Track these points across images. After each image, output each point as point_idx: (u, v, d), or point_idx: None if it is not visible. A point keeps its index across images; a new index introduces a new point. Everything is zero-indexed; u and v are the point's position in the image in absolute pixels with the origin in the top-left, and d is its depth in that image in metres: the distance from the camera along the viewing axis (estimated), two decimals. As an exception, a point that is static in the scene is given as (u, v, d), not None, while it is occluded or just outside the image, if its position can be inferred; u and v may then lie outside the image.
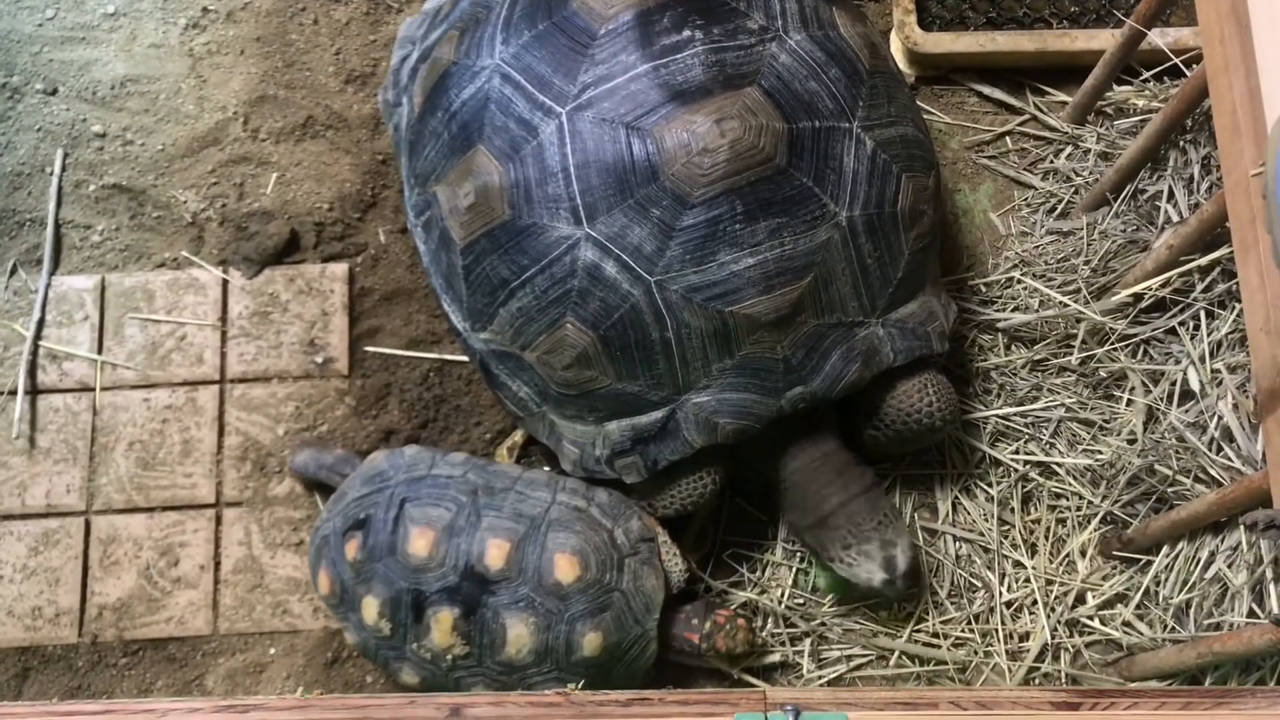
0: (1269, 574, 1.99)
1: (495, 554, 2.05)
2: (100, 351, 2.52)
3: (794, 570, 2.36)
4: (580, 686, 1.97)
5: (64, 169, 2.65)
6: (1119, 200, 2.46)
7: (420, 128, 2.22)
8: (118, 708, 1.47)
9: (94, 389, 2.49)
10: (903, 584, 2.16)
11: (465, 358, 2.47)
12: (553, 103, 2.00)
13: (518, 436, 2.41)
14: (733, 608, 2.26)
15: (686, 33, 1.99)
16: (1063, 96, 2.70)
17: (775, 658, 2.30)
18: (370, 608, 2.09)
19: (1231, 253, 1.91)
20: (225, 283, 2.57)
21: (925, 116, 2.66)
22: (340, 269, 2.58)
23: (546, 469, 2.32)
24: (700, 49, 1.98)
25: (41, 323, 2.53)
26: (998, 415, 2.42)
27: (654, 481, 2.14)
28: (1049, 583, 2.32)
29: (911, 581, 2.19)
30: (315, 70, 2.74)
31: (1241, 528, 2.05)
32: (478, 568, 2.04)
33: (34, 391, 2.49)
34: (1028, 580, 2.33)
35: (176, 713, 1.47)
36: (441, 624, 2.04)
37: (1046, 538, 2.36)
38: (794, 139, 1.97)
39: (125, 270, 2.58)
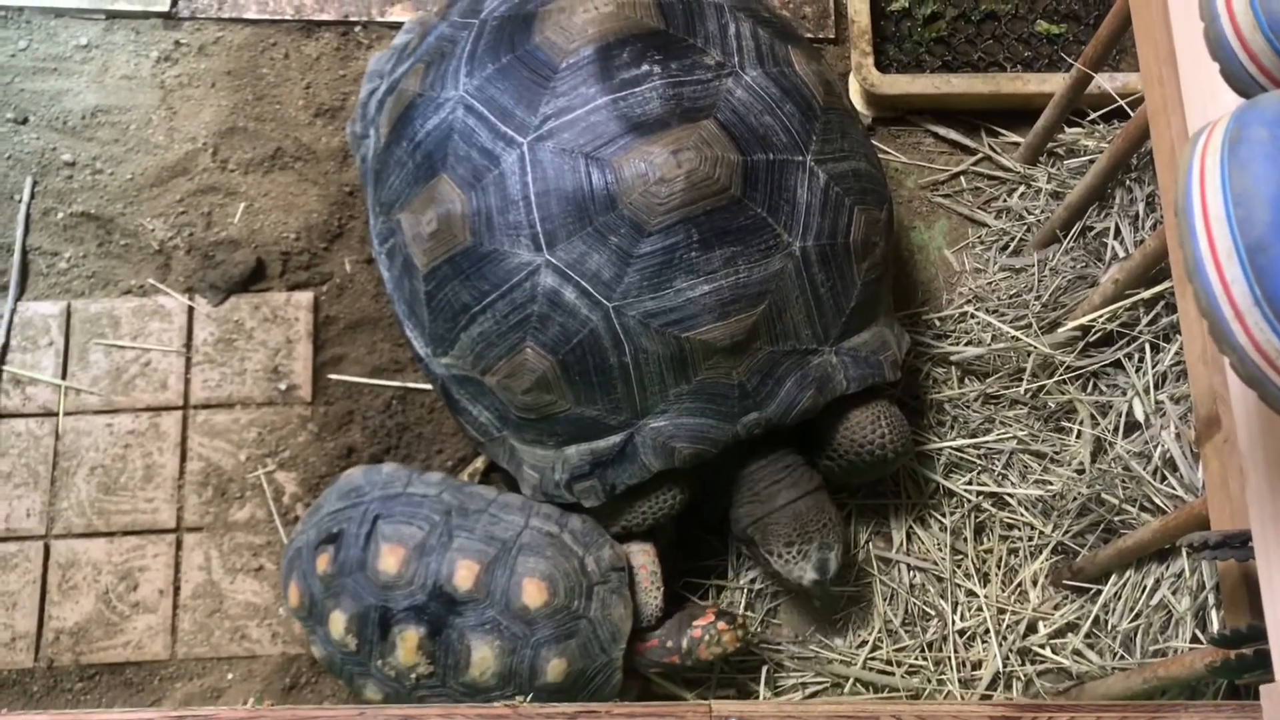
0: (1210, 599, 2.04)
1: (464, 575, 2.06)
2: (64, 376, 2.53)
3: (746, 594, 2.39)
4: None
5: (33, 197, 2.68)
6: (1068, 237, 2.53)
7: (386, 157, 2.26)
8: (68, 717, 1.49)
9: (57, 414, 2.51)
10: (829, 587, 2.21)
11: (428, 386, 2.51)
12: (514, 133, 2.05)
13: (479, 463, 2.43)
14: (710, 609, 2.24)
15: (645, 67, 2.05)
16: (1015, 137, 2.78)
17: (730, 691, 2.32)
18: (338, 622, 2.10)
19: (1173, 286, 1.97)
20: (191, 310, 2.59)
21: (882, 156, 2.73)
22: (305, 297, 2.61)
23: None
24: (658, 83, 2.04)
25: (6, 347, 2.54)
26: (951, 447, 2.47)
27: (620, 500, 2.17)
28: (1001, 612, 2.36)
29: (833, 585, 2.24)
30: (285, 103, 2.79)
31: (1185, 555, 2.09)
32: (446, 588, 2.06)
33: (-4, 416, 2.50)
34: (980, 609, 2.36)
35: (128, 723, 1.48)
36: (407, 642, 2.05)
37: (999, 567, 2.40)
38: (748, 170, 2.03)
39: (91, 297, 2.60)
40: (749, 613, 2.38)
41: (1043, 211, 2.66)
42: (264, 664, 2.36)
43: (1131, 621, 2.20)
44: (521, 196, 2.02)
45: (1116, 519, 2.28)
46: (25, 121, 2.74)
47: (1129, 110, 2.55)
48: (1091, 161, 2.58)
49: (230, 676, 2.35)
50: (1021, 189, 2.72)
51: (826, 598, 2.30)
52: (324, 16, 2.86)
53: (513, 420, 2.17)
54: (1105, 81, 2.57)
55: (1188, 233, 1.03)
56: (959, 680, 2.30)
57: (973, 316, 2.57)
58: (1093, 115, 2.67)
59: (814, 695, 2.31)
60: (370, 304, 2.61)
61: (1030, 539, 2.40)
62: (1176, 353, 2.29)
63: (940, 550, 2.41)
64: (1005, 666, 2.30)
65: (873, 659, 2.34)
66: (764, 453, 2.20)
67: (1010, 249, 2.66)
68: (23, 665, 2.34)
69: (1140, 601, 2.19)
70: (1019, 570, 2.39)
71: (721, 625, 2.16)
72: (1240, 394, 1.49)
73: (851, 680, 2.31)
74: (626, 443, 2.10)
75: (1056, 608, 2.34)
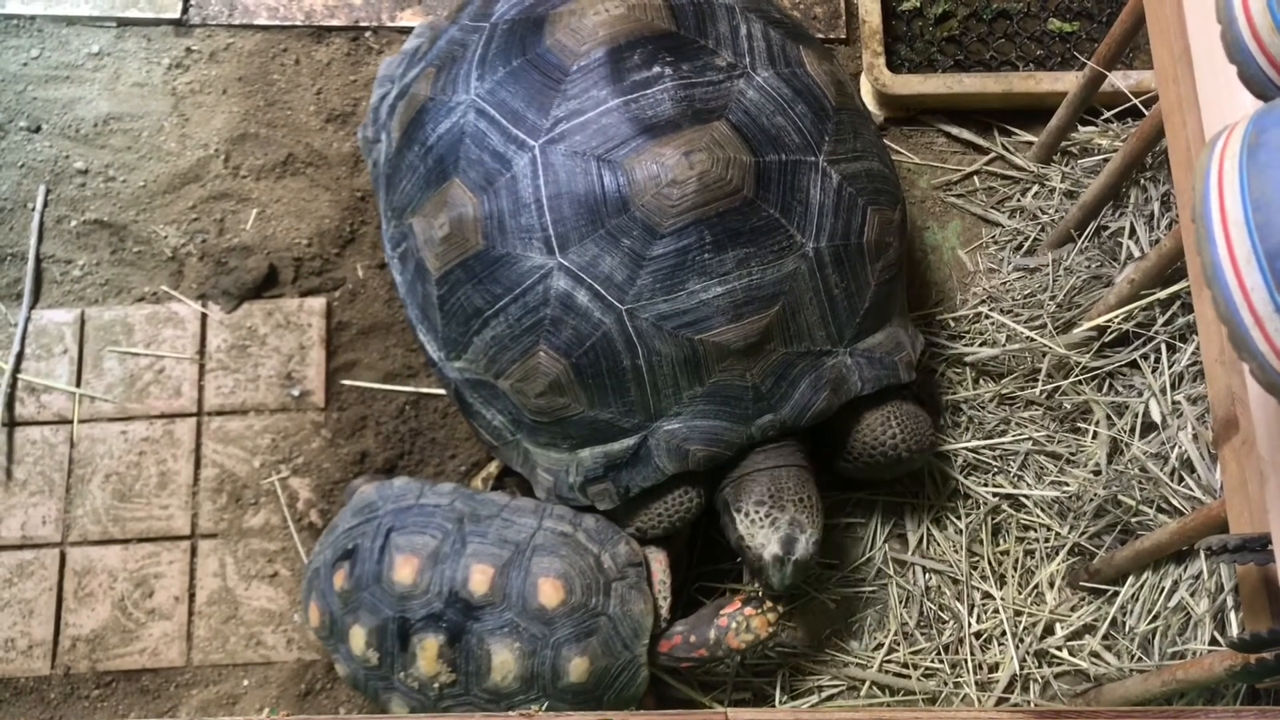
0: (1229, 601, 2.02)
1: (479, 579, 2.05)
2: (79, 384, 2.54)
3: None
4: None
5: (46, 205, 2.68)
6: (1083, 237, 2.51)
7: (397, 161, 2.26)
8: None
9: (72, 421, 2.51)
10: (791, 573, 2.08)
11: (441, 391, 2.50)
12: (526, 136, 2.05)
13: (492, 467, 2.43)
14: (736, 597, 2.17)
15: (656, 69, 2.04)
16: (1029, 137, 2.76)
17: (746, 694, 2.31)
18: (358, 637, 2.09)
19: (1189, 286, 1.96)
20: (204, 316, 2.60)
21: (895, 156, 2.72)
22: (318, 303, 2.61)
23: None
24: (670, 85, 2.03)
25: (20, 356, 2.55)
26: (966, 448, 2.45)
27: (635, 503, 2.16)
28: (1018, 614, 2.34)
29: (799, 577, 2.11)
30: (296, 109, 2.79)
31: (1203, 556, 2.08)
32: (462, 593, 2.05)
33: (11, 424, 2.51)
34: (997, 611, 2.35)
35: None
36: (427, 651, 2.04)
37: (1015, 569, 2.38)
38: (761, 171, 2.02)
39: (105, 304, 2.61)
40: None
41: (1057, 211, 2.64)
42: (279, 670, 2.36)
43: (1149, 624, 2.19)
44: (533, 199, 2.02)
45: (1133, 520, 2.27)
46: (38, 130, 2.74)
47: (1143, 109, 2.54)
48: (1106, 160, 2.56)
49: (246, 683, 2.35)
50: (1035, 188, 2.71)
51: (785, 585, 2.10)
52: (334, 22, 2.87)
53: (526, 424, 2.16)
54: (1119, 80, 2.56)
55: (1206, 238, 1.02)
56: (976, 683, 2.29)
57: (987, 317, 2.56)
58: (1106, 114, 2.66)
59: (830, 698, 2.31)
60: (383, 309, 2.61)
61: (1047, 540, 2.39)
62: (1193, 353, 2.27)
63: (956, 552, 2.40)
64: (1022, 669, 2.29)
65: (889, 662, 2.33)
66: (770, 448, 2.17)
67: (1024, 249, 2.65)
68: (40, 673, 2.35)
69: (1158, 603, 2.18)
70: (1035, 572, 2.38)
71: (749, 611, 2.11)
72: (1259, 395, 1.48)
73: (868, 683, 2.30)
74: (640, 445, 2.10)
75: (1073, 609, 2.33)
